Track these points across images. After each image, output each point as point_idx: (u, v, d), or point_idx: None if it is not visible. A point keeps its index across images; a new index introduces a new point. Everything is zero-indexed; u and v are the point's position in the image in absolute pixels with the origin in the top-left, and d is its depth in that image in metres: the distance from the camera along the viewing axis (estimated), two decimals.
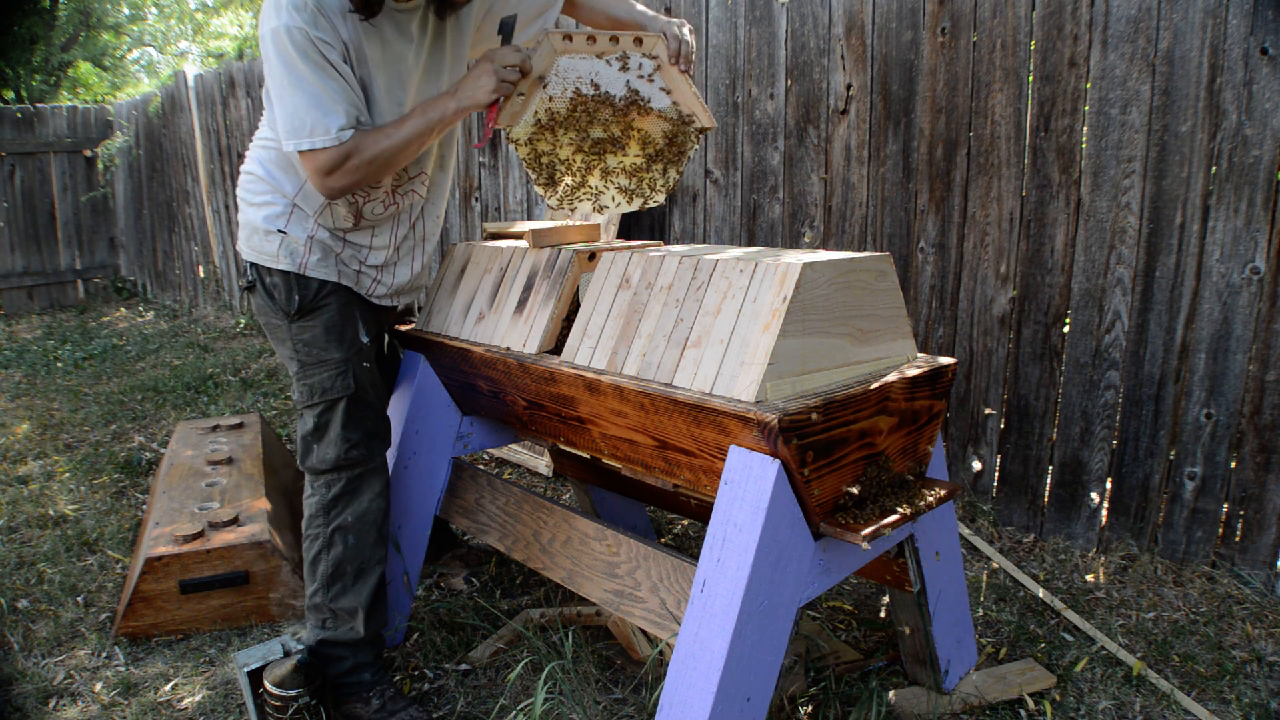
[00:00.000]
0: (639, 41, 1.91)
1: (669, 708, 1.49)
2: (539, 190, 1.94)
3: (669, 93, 1.93)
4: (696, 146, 1.95)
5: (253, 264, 1.94)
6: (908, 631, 1.91)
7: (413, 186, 2.00)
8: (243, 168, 1.98)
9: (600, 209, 1.97)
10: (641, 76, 1.92)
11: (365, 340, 1.98)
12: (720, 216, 3.36)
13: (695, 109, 1.94)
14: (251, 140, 1.98)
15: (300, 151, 1.74)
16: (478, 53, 2.03)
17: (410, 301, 2.22)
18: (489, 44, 2.02)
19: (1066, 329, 2.56)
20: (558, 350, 1.85)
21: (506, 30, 1.89)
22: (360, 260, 1.99)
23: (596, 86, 1.90)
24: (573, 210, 1.97)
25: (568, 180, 1.94)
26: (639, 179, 1.96)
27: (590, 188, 1.95)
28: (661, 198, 1.98)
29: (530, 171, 1.93)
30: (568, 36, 1.88)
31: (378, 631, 2.00)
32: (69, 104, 9.47)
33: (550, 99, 1.88)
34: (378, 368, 2.04)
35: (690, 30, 1.93)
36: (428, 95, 1.89)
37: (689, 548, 2.72)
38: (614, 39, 1.89)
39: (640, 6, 2.03)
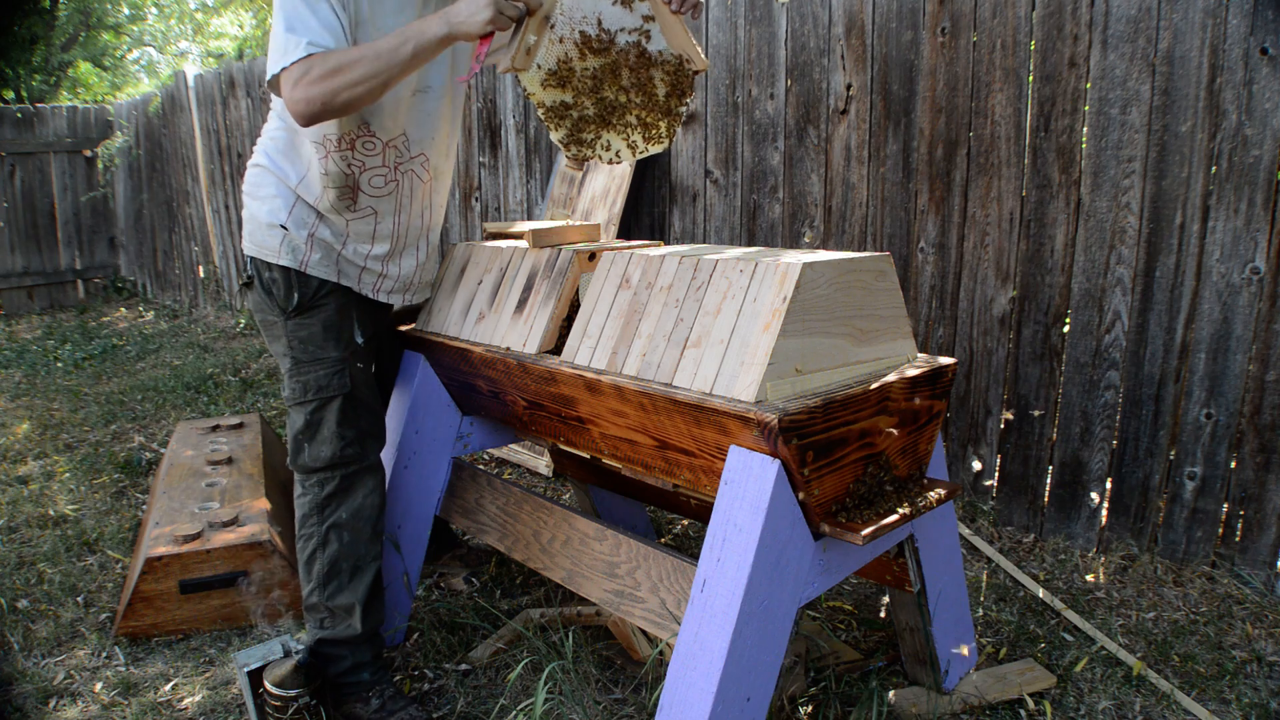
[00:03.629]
0: None
1: (669, 708, 1.49)
2: (554, 139, 1.89)
3: (665, 34, 1.90)
4: (693, 92, 1.93)
5: (253, 259, 1.94)
6: (907, 631, 1.91)
7: (412, 166, 1.98)
8: (248, 163, 1.99)
9: (615, 159, 1.94)
10: (643, 18, 1.89)
11: (360, 341, 1.98)
12: (720, 216, 3.36)
13: (689, 51, 1.89)
14: (257, 140, 1.98)
15: (276, 76, 1.70)
16: None
17: (417, 301, 2.21)
18: None
19: (1066, 329, 2.56)
20: (558, 350, 1.85)
21: None
22: (364, 255, 1.98)
23: (602, 26, 1.87)
24: (594, 160, 1.94)
25: (584, 134, 1.90)
26: (646, 127, 1.94)
27: (604, 140, 1.92)
28: (664, 145, 1.96)
29: (547, 122, 1.87)
30: None
31: (375, 629, 1.99)
32: (69, 104, 9.46)
33: (560, 40, 1.84)
34: (370, 370, 2.04)
35: None
36: None
37: (689, 548, 2.72)
38: None
39: None
